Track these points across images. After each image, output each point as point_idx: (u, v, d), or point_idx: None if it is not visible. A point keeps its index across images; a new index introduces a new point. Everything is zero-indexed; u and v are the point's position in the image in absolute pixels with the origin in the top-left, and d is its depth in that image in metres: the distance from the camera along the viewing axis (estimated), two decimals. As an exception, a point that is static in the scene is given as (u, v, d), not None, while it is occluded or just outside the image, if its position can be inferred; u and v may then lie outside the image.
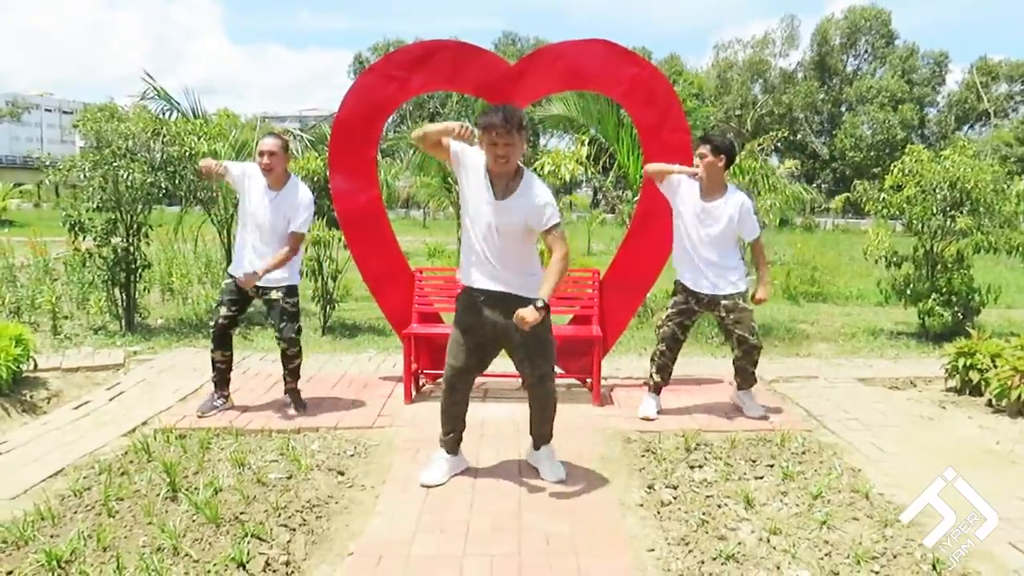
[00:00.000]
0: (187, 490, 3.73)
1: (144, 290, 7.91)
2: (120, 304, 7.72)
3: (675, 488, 3.89)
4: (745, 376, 5.21)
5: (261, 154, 4.89)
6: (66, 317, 8.13)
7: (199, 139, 7.56)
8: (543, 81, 5.57)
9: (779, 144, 7.59)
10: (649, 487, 3.93)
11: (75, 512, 3.55)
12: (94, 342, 7.20)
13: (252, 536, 3.26)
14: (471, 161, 3.69)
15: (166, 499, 3.66)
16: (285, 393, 5.26)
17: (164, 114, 8.49)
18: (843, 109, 44.21)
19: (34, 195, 39.24)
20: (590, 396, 5.57)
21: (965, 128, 42.42)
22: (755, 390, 5.31)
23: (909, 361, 7.01)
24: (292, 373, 5.21)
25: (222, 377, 5.21)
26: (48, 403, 5.50)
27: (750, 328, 5.04)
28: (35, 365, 5.85)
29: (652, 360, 5.24)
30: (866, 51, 45.76)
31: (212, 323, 5.09)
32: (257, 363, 6.54)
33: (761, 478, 4.05)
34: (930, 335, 7.88)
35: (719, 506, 3.67)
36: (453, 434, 4.05)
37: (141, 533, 3.32)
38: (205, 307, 8.81)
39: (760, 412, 5.14)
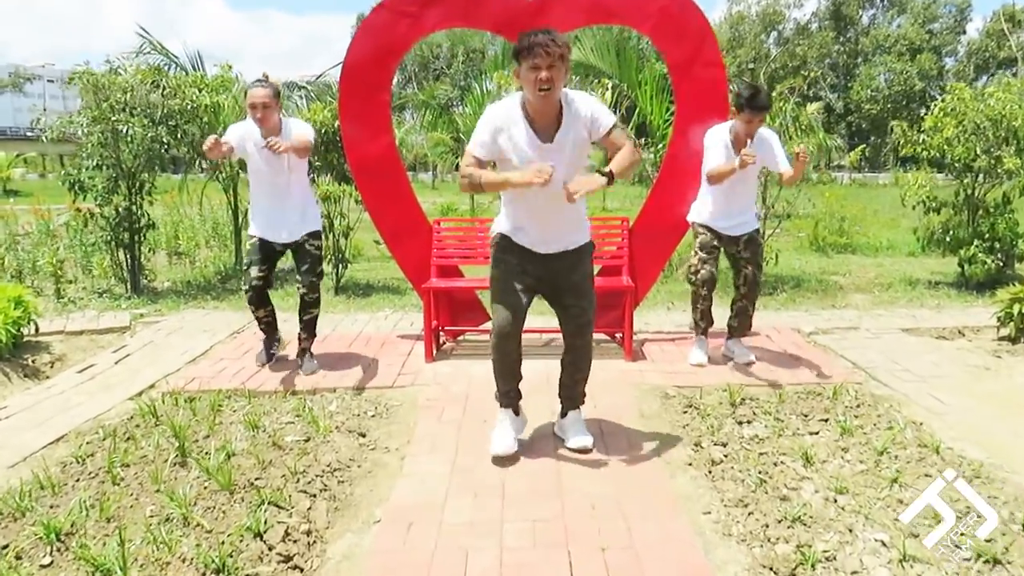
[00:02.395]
0: (198, 455, 3.46)
1: (149, 252, 7.62)
2: (125, 266, 7.43)
3: (724, 445, 3.59)
4: (744, 319, 5.02)
5: (252, 107, 4.56)
6: (70, 281, 7.85)
7: (200, 91, 7.19)
8: (566, 15, 5.15)
9: (795, 94, 7.16)
10: (696, 445, 3.62)
11: (77, 480, 3.28)
12: (99, 305, 6.93)
13: (269, 503, 2.98)
14: (506, 120, 3.23)
15: (175, 465, 3.39)
16: (298, 356, 4.99)
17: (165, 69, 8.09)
18: (859, 61, 43.13)
19: (39, 165, 38.93)
20: (621, 352, 5.27)
21: (984, 78, 41.31)
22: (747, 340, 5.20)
23: (953, 310, 6.66)
24: (307, 327, 4.94)
25: (269, 328, 5.09)
26: (51, 367, 5.23)
27: (760, 263, 4.93)
28: (36, 328, 5.58)
29: (695, 307, 5.00)
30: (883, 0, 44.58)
31: (246, 287, 4.82)
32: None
33: (816, 433, 3.73)
34: (970, 284, 7.51)
35: (775, 464, 3.37)
36: (514, 391, 3.68)
37: (148, 502, 3.04)
38: (214, 269, 8.53)
39: (750, 357, 4.97)
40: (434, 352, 5.23)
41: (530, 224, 3.39)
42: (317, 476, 3.29)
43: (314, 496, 3.12)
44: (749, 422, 3.89)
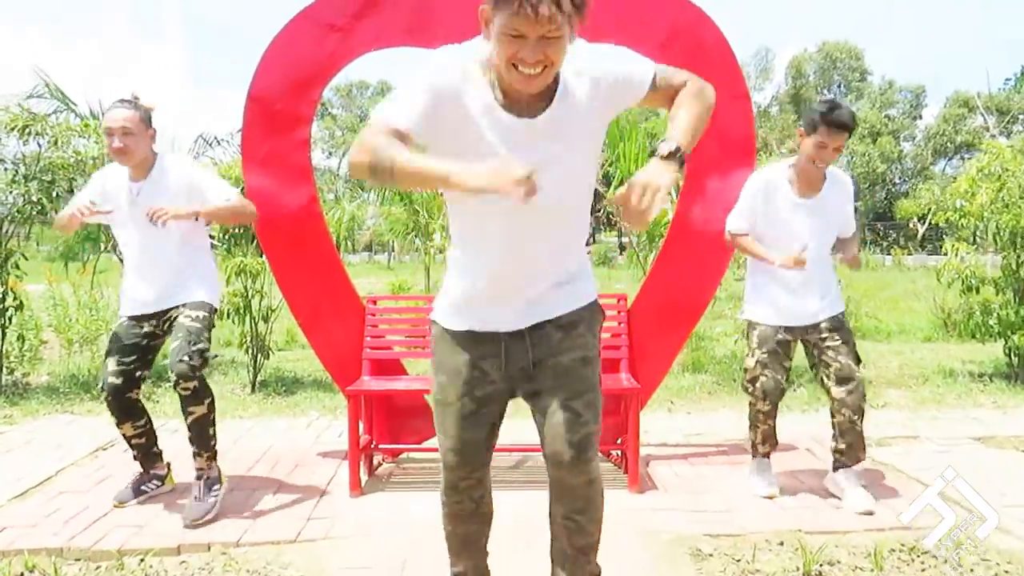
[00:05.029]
0: None
1: (19, 339, 6.08)
2: (-16, 357, 5.87)
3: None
4: (853, 438, 3.52)
5: (109, 134, 3.28)
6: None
7: (88, 141, 5.82)
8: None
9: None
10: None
11: None
12: (-64, 410, 5.35)
13: None
14: (459, 79, 1.86)
15: None
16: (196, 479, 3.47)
17: (55, 117, 6.69)
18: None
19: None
20: (620, 474, 3.88)
21: (942, 162, 41.82)
22: (861, 466, 3.65)
23: (1018, 410, 5.40)
24: (193, 435, 3.40)
25: (143, 451, 3.59)
26: None
27: (857, 354, 3.52)
28: None
29: (754, 426, 3.66)
30: (840, 85, 45.33)
31: (101, 386, 3.41)
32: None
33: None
34: (1021, 376, 6.30)
35: None
36: (475, 572, 2.32)
37: None
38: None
39: (869, 505, 3.39)
40: (363, 481, 3.77)
41: (491, 284, 2.02)
42: None
43: None
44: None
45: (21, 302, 5.90)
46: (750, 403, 3.62)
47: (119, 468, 4.03)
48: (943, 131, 40.51)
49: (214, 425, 3.45)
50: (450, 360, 2.08)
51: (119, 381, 3.38)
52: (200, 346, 3.29)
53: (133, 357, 3.42)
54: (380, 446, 4.04)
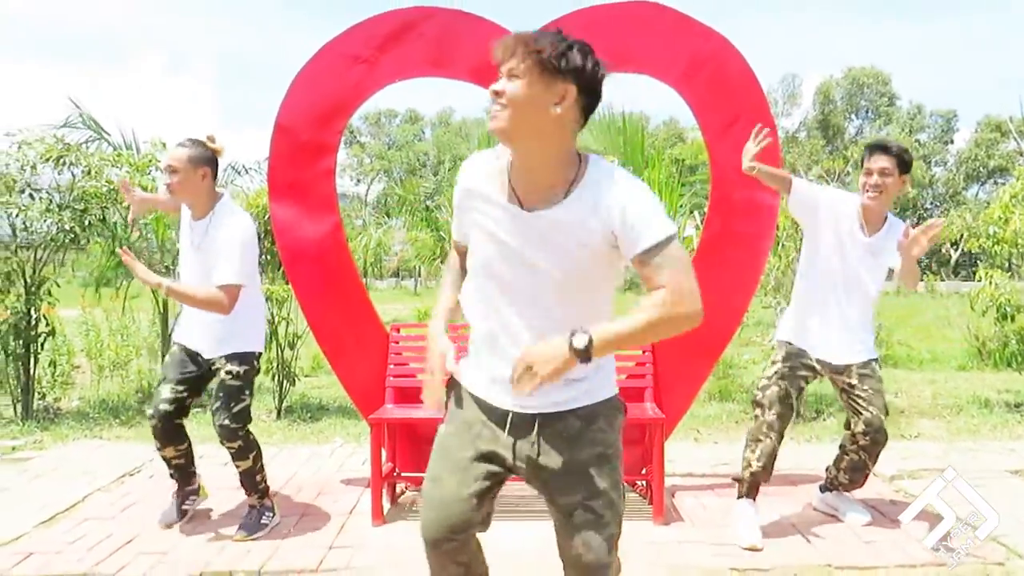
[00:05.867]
0: None
1: (50, 364, 6.17)
2: (18, 382, 5.96)
3: None
4: (856, 476, 3.58)
5: (166, 170, 3.35)
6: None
7: (123, 170, 5.94)
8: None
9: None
10: None
11: None
12: (-31, 434, 5.44)
13: None
14: (484, 172, 1.90)
15: None
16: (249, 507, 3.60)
17: (86, 147, 6.82)
18: (849, 169, 43.22)
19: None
20: (644, 505, 3.83)
21: (975, 187, 41.26)
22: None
23: (1057, 442, 5.25)
24: (245, 483, 3.53)
25: (182, 473, 3.62)
26: None
27: (883, 404, 3.46)
28: None
29: (753, 441, 3.48)
30: (868, 110, 45.02)
31: (151, 411, 3.43)
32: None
33: None
34: (1059, 406, 6.14)
35: None
36: None
37: None
38: (137, 385, 7.04)
39: (867, 518, 3.61)
40: (385, 509, 3.75)
41: (487, 351, 1.93)
42: None
43: None
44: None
45: (53, 328, 6.00)
46: (755, 415, 3.52)
47: (145, 495, 4.06)
48: (975, 156, 40.06)
49: (262, 471, 3.55)
50: (462, 412, 1.98)
51: (171, 408, 3.42)
52: (240, 407, 3.39)
53: (185, 387, 3.46)
54: (403, 474, 4.03)
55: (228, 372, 3.39)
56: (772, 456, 3.47)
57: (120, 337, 8.49)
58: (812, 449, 5.04)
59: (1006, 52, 73.33)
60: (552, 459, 1.88)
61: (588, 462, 1.87)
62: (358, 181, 49.50)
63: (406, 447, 4.08)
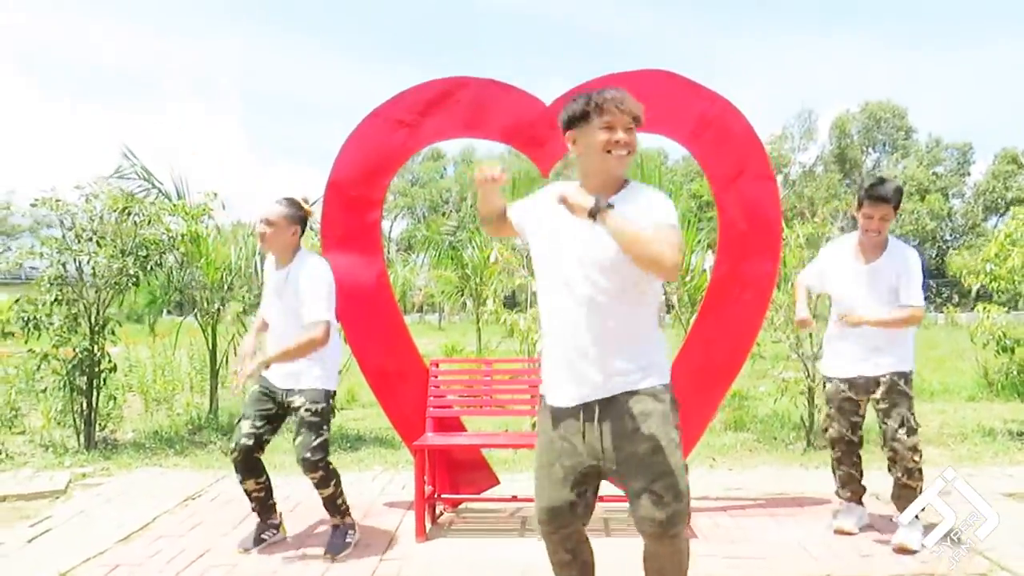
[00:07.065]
0: None
1: (109, 398, 6.66)
2: (81, 415, 6.45)
3: None
4: (901, 492, 3.90)
5: (261, 222, 3.82)
6: (21, 432, 6.88)
7: (177, 219, 6.48)
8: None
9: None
10: None
11: None
12: (40, 461, 5.91)
13: None
14: (539, 206, 2.58)
15: None
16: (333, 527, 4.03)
17: (142, 195, 7.39)
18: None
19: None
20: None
21: (994, 219, 41.35)
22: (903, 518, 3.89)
23: (1054, 468, 5.56)
24: (328, 507, 3.95)
25: (262, 504, 4.00)
26: (-51, 548, 4.16)
27: (904, 419, 3.79)
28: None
29: (833, 472, 4.22)
30: (885, 144, 45.36)
31: (233, 445, 3.84)
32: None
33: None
34: (1060, 434, 6.44)
35: None
36: None
37: None
38: (186, 418, 7.51)
39: (915, 544, 3.72)
40: (428, 527, 4.16)
41: (554, 359, 2.50)
42: None
43: None
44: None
45: (115, 364, 6.50)
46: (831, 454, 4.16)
47: (208, 515, 4.49)
48: (992, 188, 40.19)
49: (342, 495, 3.95)
50: (545, 431, 2.51)
51: (251, 443, 3.80)
52: (319, 440, 3.76)
53: (263, 423, 3.86)
54: (442, 496, 4.44)
55: (308, 409, 3.74)
56: (851, 480, 4.12)
57: (163, 372, 9.04)
58: (819, 475, 5.38)
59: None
60: (617, 447, 2.39)
61: (647, 451, 2.37)
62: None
63: (444, 472, 4.49)
